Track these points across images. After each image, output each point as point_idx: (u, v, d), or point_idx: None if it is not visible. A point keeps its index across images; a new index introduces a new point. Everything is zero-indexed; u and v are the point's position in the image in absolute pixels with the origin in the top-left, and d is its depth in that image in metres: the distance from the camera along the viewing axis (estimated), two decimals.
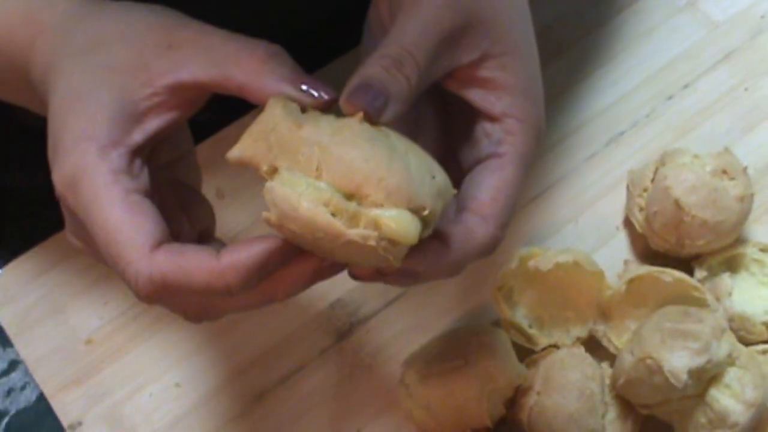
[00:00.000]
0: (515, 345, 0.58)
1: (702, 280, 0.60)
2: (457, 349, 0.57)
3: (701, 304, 0.57)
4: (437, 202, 0.40)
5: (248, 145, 0.42)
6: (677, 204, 0.59)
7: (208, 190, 0.52)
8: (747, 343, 0.58)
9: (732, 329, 0.58)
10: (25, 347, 0.63)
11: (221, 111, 0.58)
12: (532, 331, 0.59)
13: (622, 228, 0.65)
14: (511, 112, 0.46)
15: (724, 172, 0.60)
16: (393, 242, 0.39)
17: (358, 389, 0.61)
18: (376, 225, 0.39)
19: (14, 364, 0.64)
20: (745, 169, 0.61)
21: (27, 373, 0.63)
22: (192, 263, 0.41)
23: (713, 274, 0.61)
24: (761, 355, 0.57)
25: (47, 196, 0.48)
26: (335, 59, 0.70)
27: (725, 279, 0.59)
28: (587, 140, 0.68)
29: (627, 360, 0.55)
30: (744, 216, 0.60)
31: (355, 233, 0.39)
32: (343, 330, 0.63)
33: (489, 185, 0.45)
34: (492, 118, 0.46)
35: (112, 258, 0.42)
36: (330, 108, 0.43)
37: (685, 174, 0.59)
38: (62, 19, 0.47)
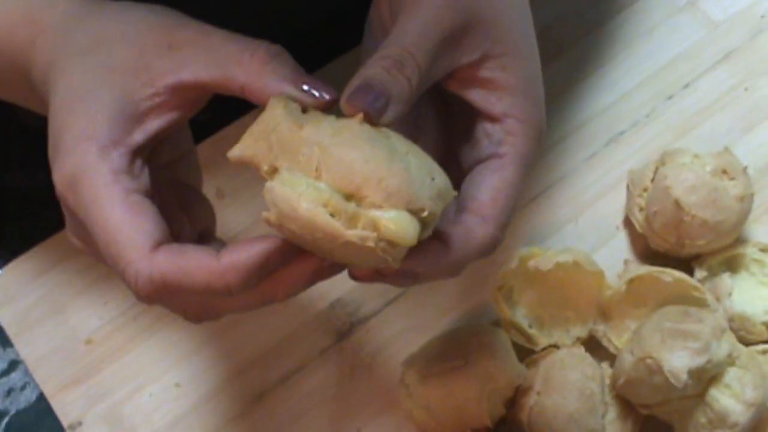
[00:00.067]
0: (515, 345, 0.58)
1: (702, 280, 0.60)
2: (457, 349, 0.57)
3: (701, 304, 0.57)
4: (437, 203, 0.40)
5: (249, 144, 0.42)
6: (677, 204, 0.59)
7: (208, 190, 0.52)
8: (747, 343, 0.58)
9: (732, 329, 0.58)
10: (25, 347, 0.63)
11: (221, 111, 0.58)
12: (532, 331, 0.59)
13: (622, 228, 0.65)
14: (511, 113, 0.46)
15: (724, 171, 0.60)
16: (392, 243, 0.39)
17: (358, 389, 0.61)
18: (375, 226, 0.39)
19: (14, 364, 0.64)
20: (745, 168, 0.61)
21: (27, 373, 0.63)
22: (192, 263, 0.41)
23: (713, 274, 0.61)
24: (761, 355, 0.57)
25: (47, 196, 0.48)
26: (335, 59, 0.70)
27: (725, 279, 0.59)
28: (587, 140, 0.68)
29: (627, 360, 0.55)
30: (744, 216, 0.60)
31: (353, 234, 0.39)
32: (343, 330, 0.63)
33: (489, 185, 0.45)
34: (492, 119, 0.46)
35: (112, 258, 0.42)
36: (331, 108, 0.43)
37: (685, 174, 0.59)
38: (62, 19, 0.47)
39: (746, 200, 0.60)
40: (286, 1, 0.68)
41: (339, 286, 0.61)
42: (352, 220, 0.39)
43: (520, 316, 0.60)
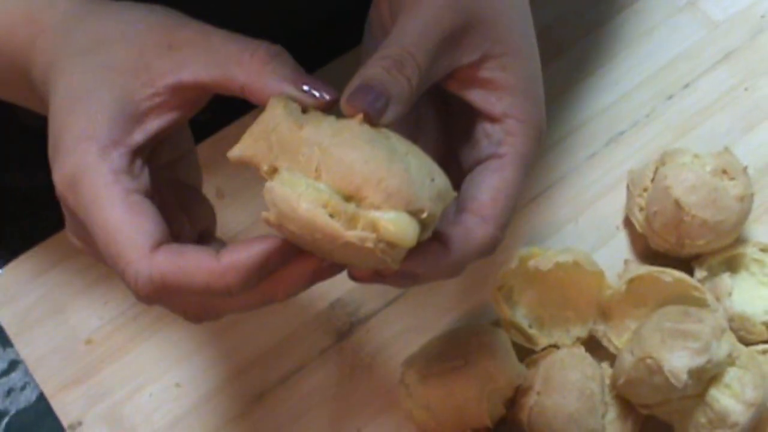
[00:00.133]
0: (515, 345, 0.58)
1: (702, 280, 0.60)
2: (457, 349, 0.57)
3: (701, 304, 0.57)
4: (437, 204, 0.40)
5: (249, 144, 0.42)
6: (677, 204, 0.59)
7: (208, 190, 0.52)
8: (747, 343, 0.58)
9: (732, 329, 0.58)
10: (25, 347, 0.63)
11: (221, 111, 0.58)
12: (532, 331, 0.59)
13: (622, 228, 0.65)
14: (511, 113, 0.46)
15: (724, 171, 0.60)
16: (391, 244, 0.39)
17: (358, 389, 0.61)
18: (374, 227, 0.39)
19: (14, 364, 0.64)
20: (745, 168, 0.61)
21: (27, 373, 0.63)
22: (192, 263, 0.41)
23: (713, 273, 0.61)
24: (761, 355, 0.57)
25: (47, 196, 0.48)
26: (335, 59, 0.70)
27: (725, 279, 0.59)
28: (587, 140, 0.68)
29: (627, 360, 0.55)
30: (744, 216, 0.60)
31: (352, 235, 0.39)
32: (343, 330, 0.63)
33: (489, 186, 0.45)
34: (492, 119, 0.46)
35: (112, 258, 0.42)
36: (331, 108, 0.43)
37: (685, 174, 0.59)
38: (63, 19, 0.47)
39: (746, 200, 0.60)
40: (286, 1, 0.68)
41: (339, 286, 0.61)
42: (351, 221, 0.39)
43: (520, 316, 0.60)
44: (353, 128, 0.40)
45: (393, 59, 0.42)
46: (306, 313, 0.63)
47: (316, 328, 0.63)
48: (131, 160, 0.44)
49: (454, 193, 0.42)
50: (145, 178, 0.44)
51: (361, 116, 0.41)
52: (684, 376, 0.52)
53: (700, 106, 0.69)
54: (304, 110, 0.42)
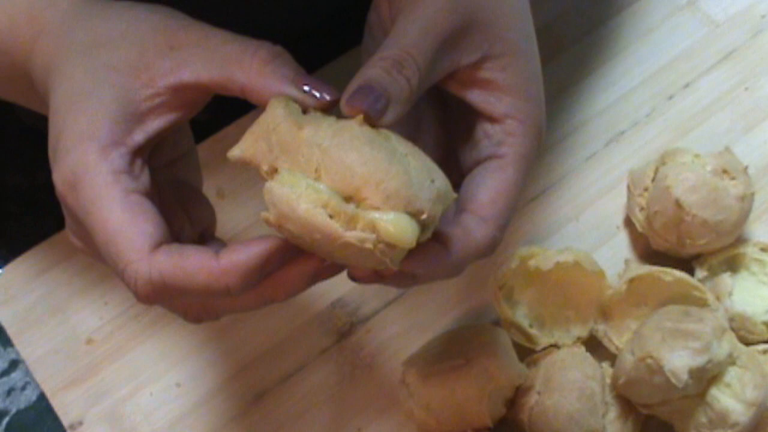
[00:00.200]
0: (516, 344, 0.58)
1: (702, 280, 0.60)
2: (457, 349, 0.57)
3: (702, 303, 0.57)
4: (436, 206, 0.40)
5: (249, 144, 0.42)
6: (678, 203, 0.59)
7: (208, 189, 0.52)
8: (747, 343, 0.58)
9: (732, 329, 0.58)
10: (25, 347, 0.63)
11: (221, 111, 0.58)
12: (533, 331, 0.59)
13: (623, 227, 0.65)
14: (511, 114, 0.46)
15: (725, 171, 0.60)
16: (390, 245, 0.39)
17: (359, 389, 0.61)
18: (373, 228, 0.39)
19: (15, 364, 0.64)
20: (745, 168, 0.61)
21: (27, 372, 0.63)
22: (191, 264, 0.41)
23: (714, 273, 0.61)
24: (762, 355, 0.57)
25: (47, 196, 0.48)
26: (335, 59, 0.70)
27: (726, 279, 0.59)
28: (587, 140, 0.68)
29: (627, 359, 0.55)
30: (744, 215, 0.60)
31: (352, 235, 0.39)
32: (343, 330, 0.63)
33: (489, 186, 0.45)
34: (492, 119, 0.46)
35: (112, 258, 0.42)
36: (331, 109, 0.43)
37: (685, 173, 0.59)
38: (64, 18, 0.46)
39: (747, 200, 0.60)
40: (286, 2, 0.68)
41: (339, 286, 0.61)
42: (351, 222, 0.39)
43: (521, 316, 0.60)
44: (353, 129, 0.40)
45: (393, 60, 0.42)
46: (306, 312, 0.63)
47: (317, 328, 0.63)
48: (131, 160, 0.44)
49: (454, 195, 0.42)
50: (145, 178, 0.44)
51: (361, 117, 0.41)
52: (684, 376, 0.52)
53: (701, 105, 0.69)
54: (305, 111, 0.42)
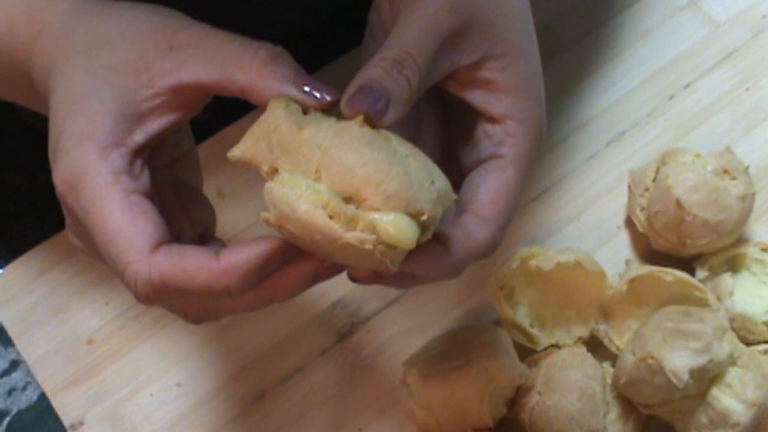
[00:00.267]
0: (516, 344, 0.58)
1: (703, 280, 0.60)
2: (458, 349, 0.57)
3: (702, 303, 0.57)
4: (436, 207, 0.40)
5: (249, 145, 0.42)
6: (678, 203, 0.59)
7: (208, 190, 0.52)
8: (748, 343, 0.58)
9: (733, 329, 0.58)
10: (26, 347, 0.63)
11: (222, 111, 0.58)
12: (534, 331, 0.59)
13: (624, 228, 0.65)
14: (511, 114, 0.46)
15: (726, 171, 0.60)
16: (390, 246, 0.39)
17: (359, 389, 0.61)
18: (373, 229, 0.39)
19: (15, 364, 0.64)
20: (746, 168, 0.61)
21: (28, 372, 0.63)
22: (191, 264, 0.41)
23: (714, 273, 0.61)
24: (762, 355, 0.57)
25: (47, 196, 0.48)
26: (335, 60, 0.70)
27: (726, 279, 0.59)
28: (588, 140, 0.68)
29: (628, 360, 0.55)
30: (745, 215, 0.60)
31: (352, 236, 0.39)
32: (344, 330, 0.63)
33: (489, 187, 0.45)
34: (493, 120, 0.46)
35: (112, 259, 0.42)
36: (332, 109, 0.43)
37: (686, 173, 0.59)
38: (64, 18, 0.46)
39: (747, 200, 0.60)
40: (286, 2, 0.68)
41: (340, 286, 0.61)
42: (351, 223, 0.39)
43: (522, 316, 0.60)
44: (353, 130, 0.40)
45: (393, 60, 0.42)
46: (307, 313, 0.63)
47: (317, 328, 0.63)
48: (131, 160, 0.43)
49: (454, 196, 0.42)
50: (145, 178, 0.44)
51: (361, 118, 0.41)
52: (685, 376, 0.52)
53: (702, 105, 0.69)
54: (305, 111, 0.42)
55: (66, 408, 0.61)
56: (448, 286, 0.63)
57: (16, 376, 0.63)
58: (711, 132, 0.68)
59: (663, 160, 0.62)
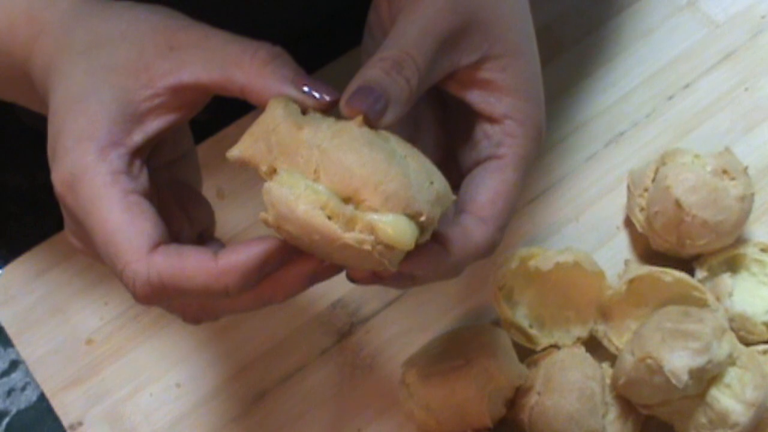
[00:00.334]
0: (516, 345, 0.58)
1: (702, 280, 0.60)
2: (457, 349, 0.57)
3: (702, 304, 0.57)
4: (435, 208, 0.40)
5: (248, 145, 0.42)
6: (678, 204, 0.59)
7: (208, 190, 0.52)
8: (747, 343, 0.58)
9: (732, 329, 0.58)
10: (25, 347, 0.63)
11: (221, 111, 0.58)
12: (533, 331, 0.59)
13: (623, 228, 0.65)
14: (511, 114, 0.46)
15: (725, 171, 0.60)
16: (389, 247, 0.39)
17: (359, 389, 0.61)
18: (372, 229, 0.39)
19: (15, 364, 0.64)
20: (745, 168, 0.61)
21: (27, 373, 0.63)
22: (190, 264, 0.41)
23: (714, 274, 0.61)
24: (762, 355, 0.57)
25: (47, 196, 0.48)
26: (335, 60, 0.70)
27: (726, 279, 0.59)
28: (587, 140, 0.68)
29: (627, 360, 0.55)
30: (744, 216, 0.60)
31: (350, 237, 0.39)
32: (343, 330, 0.63)
33: (488, 187, 0.45)
34: (492, 120, 0.46)
35: (110, 259, 0.42)
36: (331, 109, 0.43)
37: (685, 174, 0.59)
38: (63, 18, 0.46)
39: (747, 200, 0.60)
40: (286, 2, 0.68)
41: (339, 286, 0.61)
42: (349, 223, 0.39)
43: (521, 316, 0.60)
44: (352, 130, 0.40)
45: (392, 61, 0.42)
46: (306, 313, 0.63)
47: (317, 329, 0.63)
48: (130, 160, 0.43)
49: (453, 197, 0.42)
50: (143, 178, 0.44)
51: (360, 118, 0.41)
52: (684, 377, 0.52)
53: (701, 106, 0.69)
54: (304, 111, 0.42)
55: (65, 408, 0.61)
56: (448, 287, 0.63)
57: (16, 377, 0.63)
58: (710, 132, 0.68)
59: (662, 161, 0.62)
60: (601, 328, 0.60)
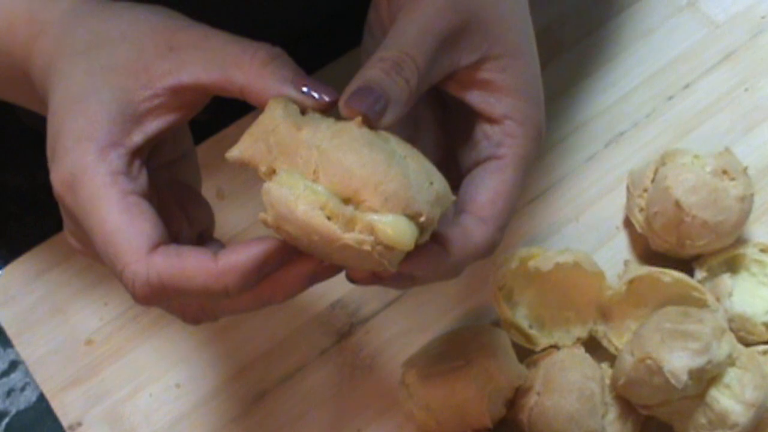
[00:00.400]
0: (515, 345, 0.58)
1: (702, 281, 0.60)
2: (457, 350, 0.57)
3: (701, 304, 0.57)
4: (435, 208, 0.40)
5: (248, 145, 0.42)
6: (677, 204, 0.59)
7: (208, 190, 0.52)
8: (747, 344, 0.58)
9: (732, 330, 0.58)
10: (25, 348, 0.63)
11: (221, 111, 0.58)
12: (533, 332, 0.59)
13: (623, 228, 0.65)
14: (511, 115, 0.46)
15: (725, 172, 0.60)
16: (389, 247, 0.39)
17: (359, 390, 0.61)
18: (371, 230, 0.39)
19: (14, 365, 0.64)
20: (745, 169, 0.60)
21: (27, 373, 0.63)
22: (189, 265, 0.41)
23: (713, 274, 0.61)
24: (761, 356, 0.57)
25: (47, 196, 0.48)
26: (335, 60, 0.70)
27: (725, 279, 0.59)
28: (587, 140, 0.68)
29: (627, 360, 0.55)
30: (744, 216, 0.60)
31: (350, 237, 0.39)
32: (343, 330, 0.63)
33: (488, 187, 0.45)
34: (492, 120, 0.46)
35: (110, 259, 0.42)
36: (330, 110, 0.43)
37: (685, 174, 0.59)
38: (63, 18, 0.46)
39: (747, 200, 0.60)
40: (285, 2, 0.68)
41: (339, 287, 0.61)
42: (349, 224, 0.39)
43: (521, 317, 0.60)
44: (352, 131, 0.40)
45: (392, 61, 0.42)
46: (306, 313, 0.63)
47: (317, 329, 0.63)
48: (129, 161, 0.43)
49: (453, 198, 0.42)
50: (143, 179, 0.44)
51: (360, 118, 0.41)
52: (684, 377, 0.52)
53: (701, 106, 0.69)
54: (303, 112, 0.42)
55: (65, 409, 0.61)
56: (448, 287, 0.63)
57: (15, 377, 0.63)
58: (710, 133, 0.68)
59: (662, 161, 0.62)
60: (600, 329, 0.60)
